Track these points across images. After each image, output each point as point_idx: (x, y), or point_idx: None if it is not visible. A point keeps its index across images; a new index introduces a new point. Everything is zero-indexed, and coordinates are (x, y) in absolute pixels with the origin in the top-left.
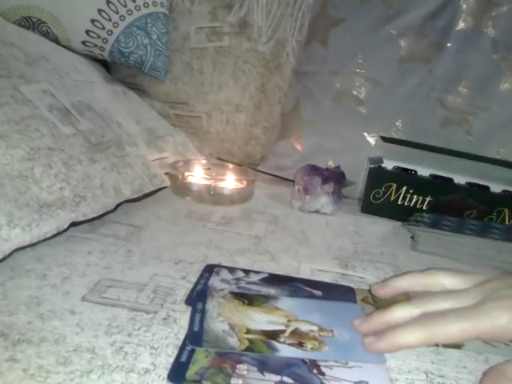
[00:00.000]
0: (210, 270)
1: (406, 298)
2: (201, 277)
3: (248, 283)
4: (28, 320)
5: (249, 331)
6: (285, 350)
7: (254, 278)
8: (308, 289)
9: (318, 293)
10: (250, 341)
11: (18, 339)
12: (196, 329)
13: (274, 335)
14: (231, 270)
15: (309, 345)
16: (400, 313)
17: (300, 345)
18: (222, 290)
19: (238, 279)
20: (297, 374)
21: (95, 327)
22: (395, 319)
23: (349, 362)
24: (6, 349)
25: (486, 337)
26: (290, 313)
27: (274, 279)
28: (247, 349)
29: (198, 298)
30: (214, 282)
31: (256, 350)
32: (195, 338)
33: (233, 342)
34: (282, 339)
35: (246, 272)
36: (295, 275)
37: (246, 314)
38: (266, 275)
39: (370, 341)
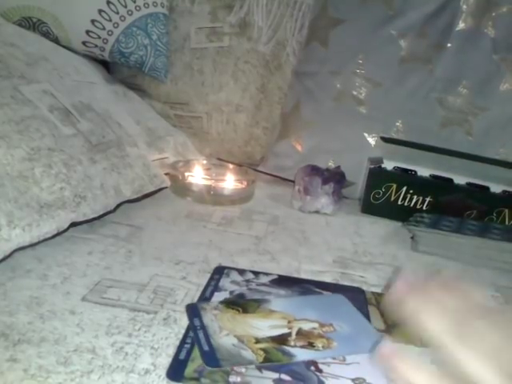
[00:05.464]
0: (219, 271)
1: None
2: (211, 279)
3: (258, 285)
4: (28, 320)
5: (257, 340)
6: (300, 354)
7: (264, 279)
8: (318, 290)
9: (329, 294)
10: (265, 351)
11: (19, 339)
12: (206, 348)
13: (282, 340)
14: (241, 271)
15: (319, 344)
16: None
17: (310, 345)
18: (212, 301)
19: (247, 281)
20: (294, 371)
21: (95, 327)
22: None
23: (346, 359)
24: (7, 349)
25: None
26: (286, 313)
27: (283, 281)
28: (265, 360)
29: (191, 313)
30: (225, 283)
31: (274, 360)
32: (210, 358)
33: (248, 355)
34: (291, 343)
35: (256, 274)
36: (295, 275)
37: (246, 322)
38: (276, 277)
39: None
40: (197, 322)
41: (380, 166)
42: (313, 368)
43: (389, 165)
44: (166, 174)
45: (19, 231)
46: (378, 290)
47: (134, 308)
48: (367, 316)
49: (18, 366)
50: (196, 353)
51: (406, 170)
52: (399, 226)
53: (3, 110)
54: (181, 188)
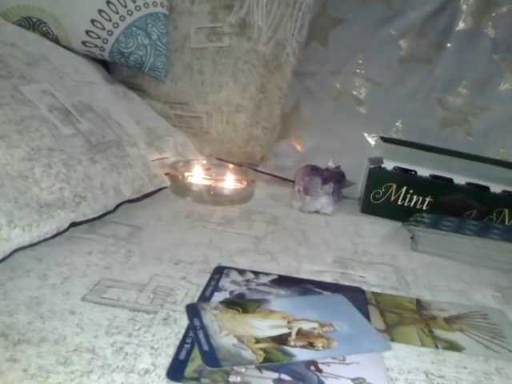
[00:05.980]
0: (219, 271)
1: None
2: (211, 279)
3: (258, 285)
4: (28, 320)
5: (257, 340)
6: (300, 354)
7: (264, 279)
8: (318, 290)
9: (328, 294)
10: (265, 351)
11: (19, 339)
12: (206, 348)
13: (282, 340)
14: (241, 271)
15: (319, 344)
16: None
17: (310, 345)
18: (212, 301)
19: (247, 281)
20: (294, 371)
21: (95, 327)
22: None
23: (346, 359)
24: (7, 349)
25: None
26: (286, 313)
27: (283, 281)
28: (265, 360)
29: (191, 313)
30: (225, 283)
31: (274, 360)
32: (210, 358)
33: (248, 355)
34: (291, 343)
35: (256, 274)
36: (295, 275)
37: (246, 322)
38: (276, 277)
39: None
40: (197, 322)
41: (380, 166)
42: (313, 368)
43: (389, 165)
44: (166, 174)
45: (19, 231)
46: (378, 290)
47: (133, 308)
48: (367, 316)
49: (17, 366)
50: (196, 353)
51: (405, 170)
52: (399, 226)
53: (3, 110)
54: (181, 188)
